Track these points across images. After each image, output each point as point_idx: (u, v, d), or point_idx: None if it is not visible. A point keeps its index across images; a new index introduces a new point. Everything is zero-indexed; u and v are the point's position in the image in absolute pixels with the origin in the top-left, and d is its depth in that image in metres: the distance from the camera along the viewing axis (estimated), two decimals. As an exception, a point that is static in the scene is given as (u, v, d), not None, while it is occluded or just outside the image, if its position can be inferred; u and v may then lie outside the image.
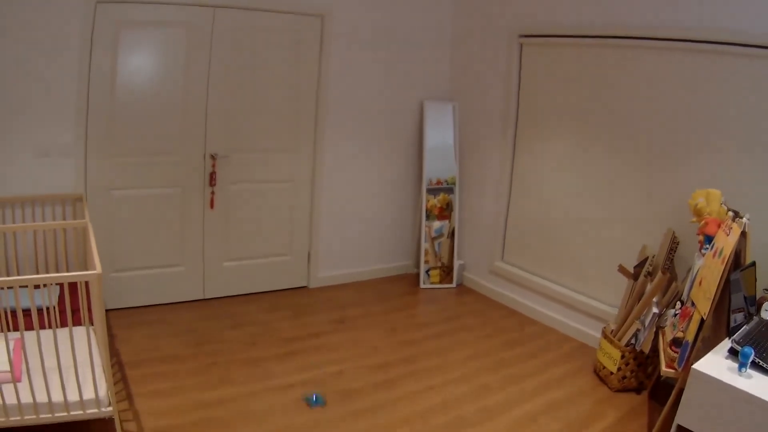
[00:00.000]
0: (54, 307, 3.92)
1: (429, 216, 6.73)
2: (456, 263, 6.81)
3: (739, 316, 3.46)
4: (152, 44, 5.23)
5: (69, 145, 5.00)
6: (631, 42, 5.02)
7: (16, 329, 3.85)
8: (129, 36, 5.09)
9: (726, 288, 3.46)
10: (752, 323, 3.49)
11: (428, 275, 6.75)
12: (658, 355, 4.18)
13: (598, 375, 4.86)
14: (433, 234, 6.76)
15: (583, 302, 5.54)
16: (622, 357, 4.53)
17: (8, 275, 4.59)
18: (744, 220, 3.64)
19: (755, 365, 3.03)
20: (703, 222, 4.14)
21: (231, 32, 5.52)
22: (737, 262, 3.71)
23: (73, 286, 4.51)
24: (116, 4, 4.95)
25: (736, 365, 3.03)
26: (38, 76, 4.75)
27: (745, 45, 4.25)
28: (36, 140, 4.85)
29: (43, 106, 4.83)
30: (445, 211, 6.79)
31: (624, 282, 4.91)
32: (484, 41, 6.47)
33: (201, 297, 5.92)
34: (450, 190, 6.78)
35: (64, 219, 5.02)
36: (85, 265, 4.67)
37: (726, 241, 3.61)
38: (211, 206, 5.77)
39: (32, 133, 4.83)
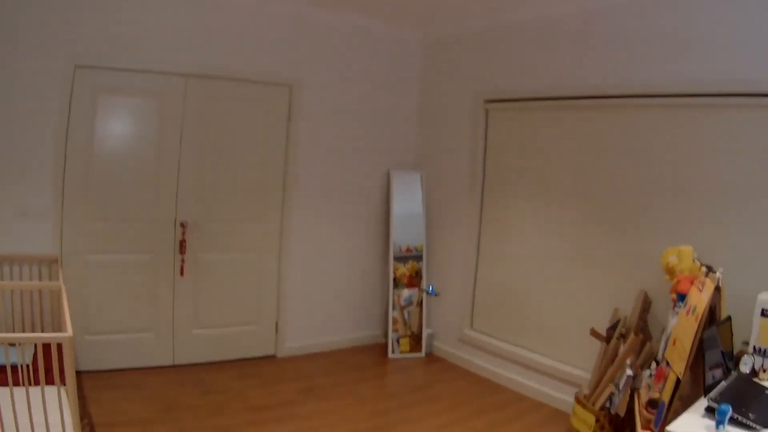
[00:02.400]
0: (28, 366, 3.94)
1: (398, 284, 6.66)
2: (425, 332, 6.69)
3: (717, 373, 3.34)
4: (128, 111, 5.45)
5: (46, 207, 5.13)
6: (594, 102, 5.11)
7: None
8: (106, 102, 5.30)
9: (701, 345, 3.34)
10: (730, 379, 3.36)
11: (398, 344, 6.61)
12: (634, 418, 4.03)
13: (573, 441, 4.70)
14: (402, 303, 6.66)
15: (555, 367, 5.42)
16: (597, 421, 4.37)
17: (-17, 332, 4.69)
18: (717, 275, 3.56)
19: (734, 421, 2.89)
20: (675, 280, 4.05)
21: (203, 101, 5.72)
22: (712, 317, 3.63)
23: (46, 345, 4.46)
24: (94, 69, 5.16)
25: (713, 423, 2.88)
26: (17, 138, 4.92)
27: (711, 95, 4.31)
28: (14, 200, 4.97)
29: (22, 167, 4.98)
30: (414, 279, 6.70)
31: (596, 345, 4.80)
32: (451, 109, 6.58)
33: (171, 363, 5.89)
34: (419, 258, 6.72)
35: (40, 279, 5.07)
36: (60, 325, 4.67)
37: (699, 298, 3.52)
38: (182, 274, 5.81)
39: (11, 192, 4.95)
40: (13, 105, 4.86)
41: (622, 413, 4.26)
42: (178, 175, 5.67)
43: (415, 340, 6.68)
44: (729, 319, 3.71)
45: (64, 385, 3.61)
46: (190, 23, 5.56)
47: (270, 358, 6.36)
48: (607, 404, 4.38)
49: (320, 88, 6.34)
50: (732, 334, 3.73)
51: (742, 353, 3.60)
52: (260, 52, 5.94)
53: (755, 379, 3.43)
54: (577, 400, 4.64)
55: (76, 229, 5.30)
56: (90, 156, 5.27)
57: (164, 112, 5.55)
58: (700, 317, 3.39)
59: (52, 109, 5.01)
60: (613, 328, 4.71)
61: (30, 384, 3.76)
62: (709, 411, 3.00)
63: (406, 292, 6.69)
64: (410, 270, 6.71)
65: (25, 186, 4.99)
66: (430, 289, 4.74)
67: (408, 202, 6.78)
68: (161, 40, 5.44)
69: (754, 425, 2.84)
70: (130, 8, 5.27)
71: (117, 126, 5.39)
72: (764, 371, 3.47)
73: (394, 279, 6.65)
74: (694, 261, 4.05)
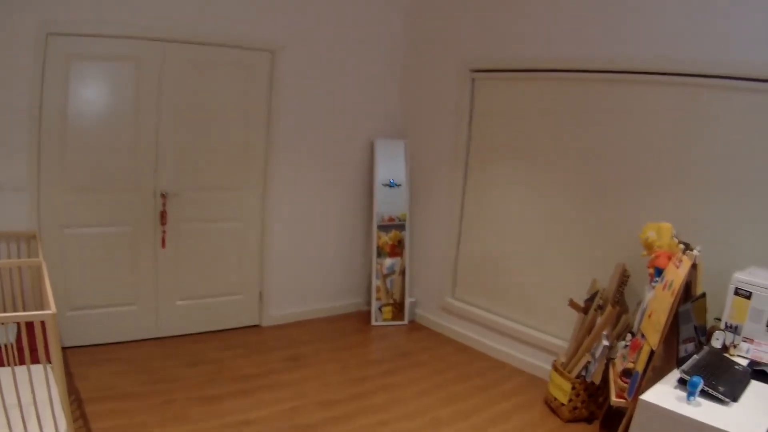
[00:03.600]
0: (12, 345, 3.87)
1: (381, 253, 6.70)
2: (407, 300, 6.78)
3: (689, 346, 3.48)
4: (103, 78, 5.22)
5: (21, 179, 4.94)
6: (580, 75, 5.12)
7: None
8: (80, 69, 5.07)
9: (676, 319, 3.48)
10: (702, 352, 3.51)
11: (381, 312, 6.70)
12: (608, 386, 4.18)
13: (549, 406, 4.85)
14: (385, 271, 6.73)
15: (534, 336, 5.56)
16: (573, 388, 4.53)
17: (-36, 312, 4.53)
18: (695, 252, 3.68)
19: (705, 393, 3.04)
20: (653, 255, 4.18)
21: (181, 67, 5.51)
22: (688, 293, 3.75)
23: (30, 323, 4.42)
24: (67, 36, 4.93)
25: (685, 394, 3.03)
26: None
27: (695, 75, 4.37)
28: None
29: None
30: (396, 248, 6.76)
31: (574, 315, 4.93)
32: (436, 77, 6.52)
33: (156, 335, 5.83)
34: (402, 227, 6.76)
35: (19, 256, 4.95)
36: (42, 302, 4.57)
37: (676, 274, 3.65)
38: (163, 245, 5.70)
39: None
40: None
41: (597, 381, 4.42)
42: (157, 145, 5.51)
43: (398, 309, 6.77)
44: (704, 295, 3.85)
45: (50, 362, 3.55)
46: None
47: (255, 328, 6.36)
48: (583, 373, 4.53)
49: (303, 54, 6.16)
50: (706, 310, 3.88)
51: (714, 329, 3.76)
52: (241, 16, 5.71)
53: (726, 354, 3.59)
54: (555, 368, 4.78)
55: (54, 202, 5.15)
56: (66, 126, 5.09)
57: (141, 79, 5.34)
58: (676, 292, 3.53)
59: (24, 79, 4.79)
60: (591, 299, 4.83)
61: (16, 364, 3.67)
62: (681, 383, 3.15)
63: (388, 261, 6.74)
64: (393, 239, 6.75)
65: (-1, 158, 4.85)
66: (392, 182, 4.93)
67: (391, 170, 6.75)
68: (136, 3, 5.16)
69: (723, 398, 2.99)
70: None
71: (93, 94, 5.18)
72: (734, 347, 3.63)
73: (377, 248, 6.69)
74: (672, 238, 4.17)
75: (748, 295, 3.60)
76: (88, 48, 5.06)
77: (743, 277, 3.66)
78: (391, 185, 6.42)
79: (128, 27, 5.16)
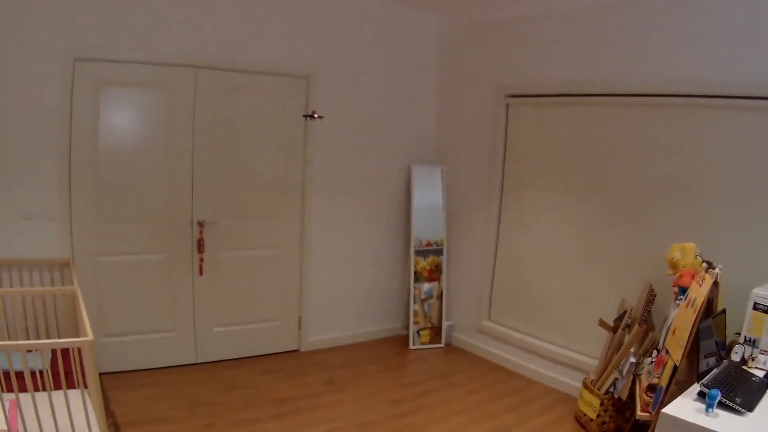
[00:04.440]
0: (47, 370, 3.89)
1: (418, 278, 6.81)
2: (444, 324, 6.88)
3: (710, 361, 3.60)
4: (134, 105, 5.23)
5: (53, 208, 4.96)
6: (612, 99, 5.22)
7: (10, 391, 3.78)
8: (110, 96, 5.08)
9: (698, 335, 3.60)
10: (722, 366, 3.61)
11: (418, 335, 6.80)
12: (635, 401, 4.29)
13: (579, 422, 4.95)
14: (423, 296, 6.83)
15: (565, 355, 5.66)
16: (601, 404, 4.65)
17: (-1, 338, 4.62)
18: (717, 270, 3.80)
19: (723, 405, 3.15)
20: (678, 274, 4.30)
21: (215, 94, 5.54)
22: (709, 309, 3.85)
23: (65, 349, 4.42)
24: (95, 62, 4.95)
25: (704, 407, 3.14)
26: (17, 136, 4.73)
27: (723, 96, 4.47)
28: (19, 202, 4.81)
29: (24, 167, 4.80)
30: (434, 273, 6.87)
31: (604, 334, 5.04)
32: (471, 103, 6.62)
33: (193, 361, 5.88)
34: (439, 252, 6.87)
35: (52, 284, 4.99)
36: (76, 328, 4.63)
37: (699, 292, 3.76)
38: (200, 273, 5.75)
39: (15, 194, 4.79)
40: (11, 102, 4.65)
41: (624, 397, 4.52)
42: (193, 172, 5.52)
43: (435, 332, 6.87)
44: (724, 311, 3.97)
45: (86, 387, 3.59)
46: (197, 11, 5.34)
47: (294, 353, 6.44)
48: (611, 389, 4.64)
49: (338, 80, 6.22)
50: (725, 326, 3.99)
51: (733, 343, 3.86)
52: (274, 42, 5.77)
53: (744, 367, 3.69)
54: (584, 385, 4.90)
55: (86, 230, 5.15)
56: (97, 153, 5.08)
57: (174, 105, 5.35)
58: (698, 309, 3.64)
59: (53, 105, 4.80)
60: (619, 318, 4.94)
61: (51, 389, 3.63)
62: (701, 395, 3.25)
63: (426, 286, 6.84)
64: (430, 264, 6.85)
65: (28, 187, 4.81)
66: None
67: (429, 196, 6.84)
68: (166, 29, 5.21)
69: (739, 408, 3.11)
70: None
71: (124, 121, 5.18)
72: (752, 359, 3.73)
73: (415, 273, 6.79)
74: (696, 257, 4.28)
75: (766, 310, 3.71)
76: (117, 74, 5.07)
77: (761, 292, 3.76)
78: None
79: (159, 53, 5.21)
